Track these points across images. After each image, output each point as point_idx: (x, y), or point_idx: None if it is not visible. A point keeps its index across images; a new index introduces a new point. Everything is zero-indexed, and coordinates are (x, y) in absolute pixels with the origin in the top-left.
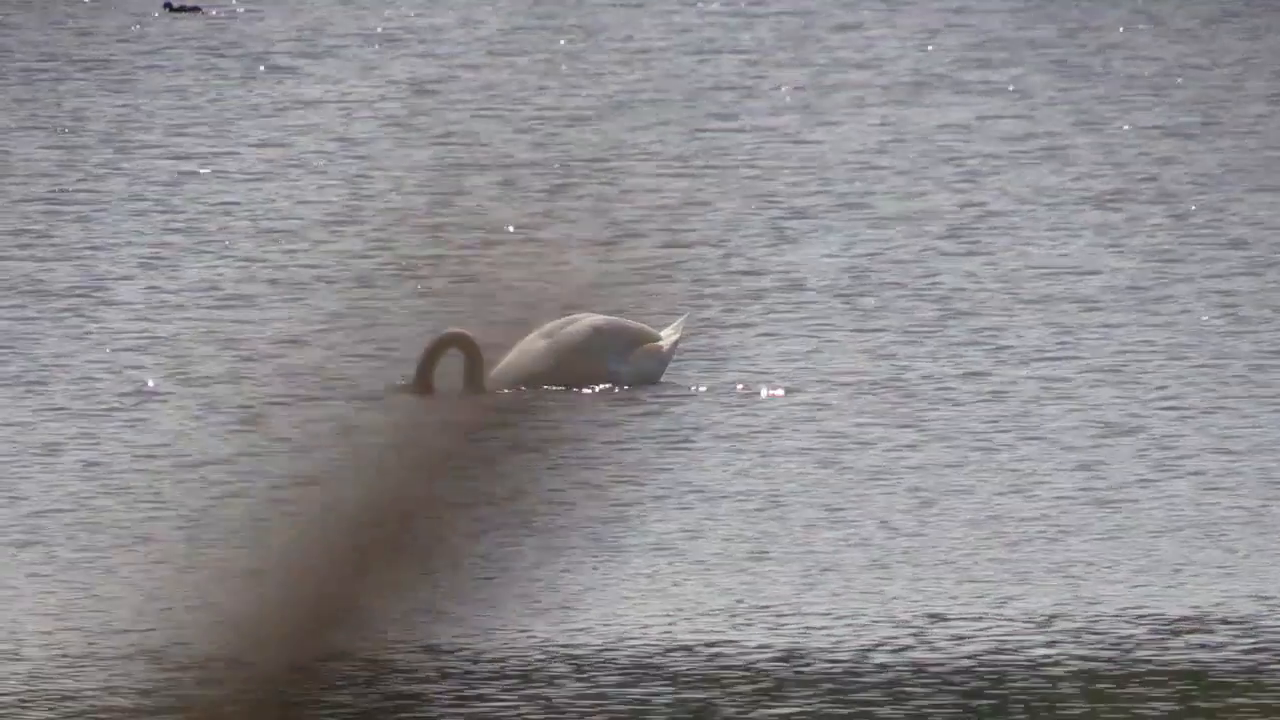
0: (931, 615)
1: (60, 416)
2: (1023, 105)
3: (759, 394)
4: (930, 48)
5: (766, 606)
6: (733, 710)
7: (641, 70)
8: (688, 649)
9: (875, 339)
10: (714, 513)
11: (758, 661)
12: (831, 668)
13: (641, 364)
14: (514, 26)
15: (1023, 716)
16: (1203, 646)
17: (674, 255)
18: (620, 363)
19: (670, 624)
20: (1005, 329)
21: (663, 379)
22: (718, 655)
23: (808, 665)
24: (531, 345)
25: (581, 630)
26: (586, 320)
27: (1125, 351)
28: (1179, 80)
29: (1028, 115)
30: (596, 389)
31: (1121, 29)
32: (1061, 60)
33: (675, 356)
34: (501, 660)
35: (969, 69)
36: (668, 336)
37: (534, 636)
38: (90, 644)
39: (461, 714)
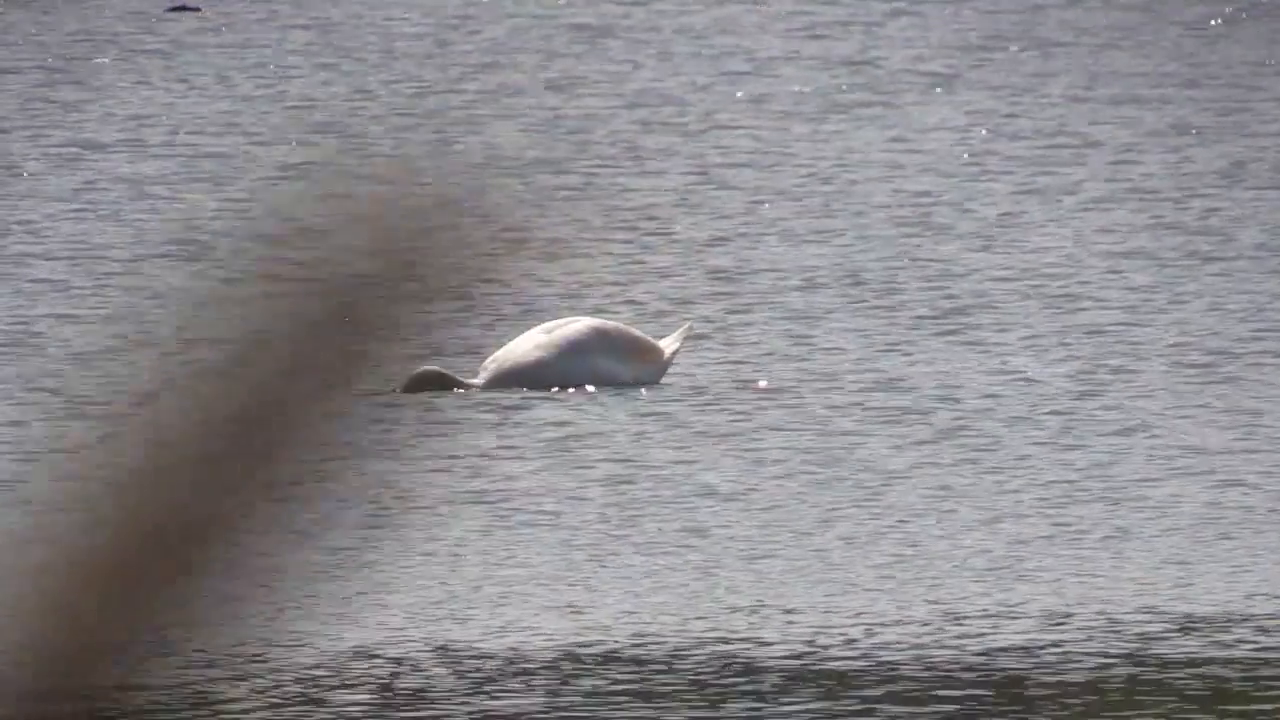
0: (944, 614)
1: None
2: (1035, 104)
3: (767, 392)
4: (938, 45)
5: (779, 605)
6: (746, 708)
7: (651, 70)
8: (700, 647)
9: (886, 338)
10: (726, 511)
11: (771, 660)
12: (844, 666)
13: (638, 371)
14: (519, 27)
15: (1036, 715)
16: (1218, 645)
17: (677, 255)
18: (617, 366)
19: (683, 623)
20: (1016, 327)
21: (666, 379)
22: (731, 654)
23: (820, 664)
24: (529, 341)
25: (593, 629)
26: (587, 321)
27: (1138, 349)
28: (1194, 79)
29: (1039, 115)
30: (590, 389)
31: (1134, 27)
32: (1074, 57)
33: (673, 364)
34: (511, 659)
35: (977, 67)
36: (667, 346)
37: (544, 635)
38: None
39: (471, 712)
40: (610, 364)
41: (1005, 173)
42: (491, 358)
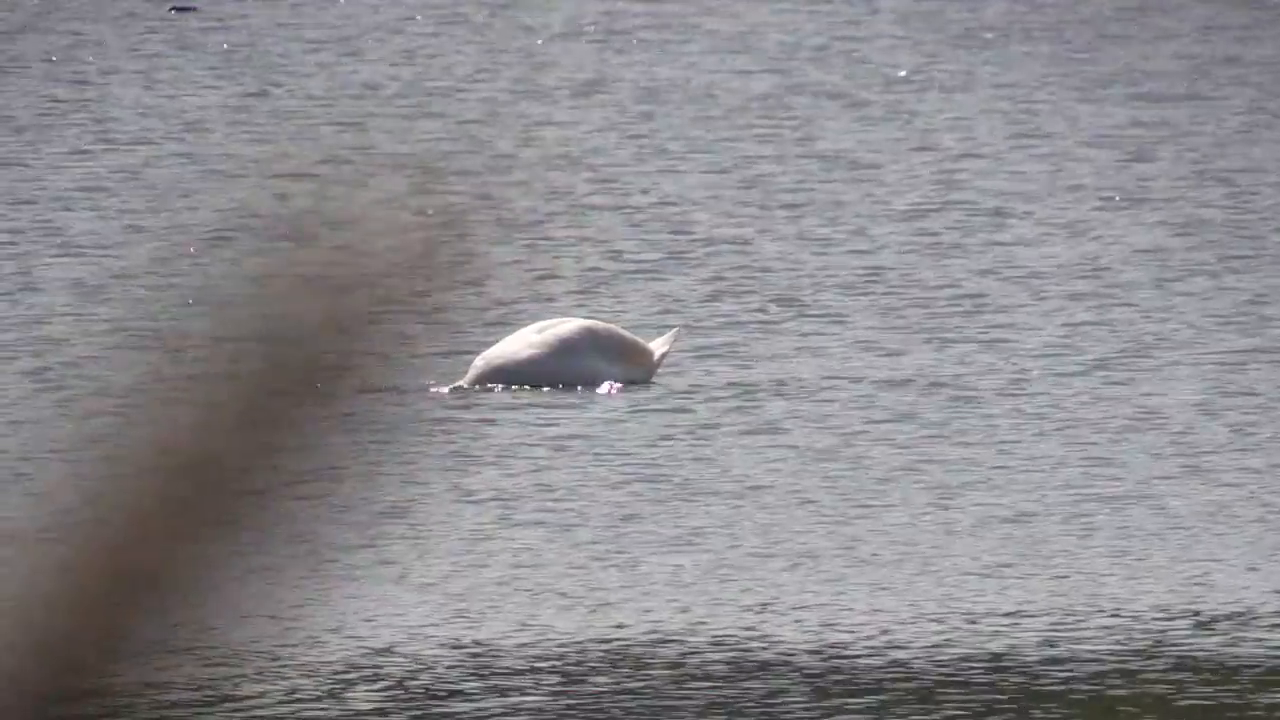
0: (957, 612)
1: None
2: (1047, 102)
3: (773, 392)
4: (942, 43)
5: (791, 603)
6: (758, 707)
7: (665, 71)
8: (713, 646)
9: (898, 335)
10: (738, 510)
11: (782, 659)
12: (856, 665)
13: (628, 372)
14: (522, 26)
15: (1049, 714)
16: (1233, 643)
17: (678, 255)
18: (607, 366)
19: (697, 621)
20: (1023, 326)
21: (675, 379)
22: (743, 652)
23: (832, 663)
24: (520, 340)
25: (611, 626)
26: (578, 321)
27: (1153, 346)
28: (1216, 75)
29: (1050, 113)
30: (582, 388)
31: (1147, 24)
32: (1087, 55)
33: (663, 367)
34: (525, 657)
35: (981, 64)
36: (657, 348)
37: (557, 633)
38: None
39: (484, 710)
40: (600, 364)
41: (1017, 172)
42: (481, 356)
